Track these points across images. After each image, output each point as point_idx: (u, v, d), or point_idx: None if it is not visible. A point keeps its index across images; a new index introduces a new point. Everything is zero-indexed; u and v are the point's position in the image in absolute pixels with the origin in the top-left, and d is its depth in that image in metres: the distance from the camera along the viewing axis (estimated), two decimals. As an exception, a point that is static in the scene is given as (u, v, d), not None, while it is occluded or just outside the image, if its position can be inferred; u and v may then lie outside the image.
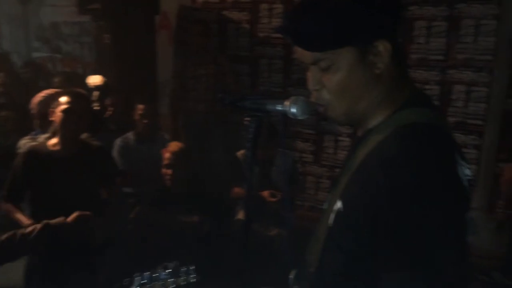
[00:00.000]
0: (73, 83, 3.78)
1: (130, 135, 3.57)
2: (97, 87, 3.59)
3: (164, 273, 1.18)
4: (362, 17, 0.88)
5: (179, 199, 2.90)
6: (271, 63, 4.37)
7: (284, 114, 1.01)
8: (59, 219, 2.31)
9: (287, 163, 3.19)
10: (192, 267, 1.20)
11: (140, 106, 3.53)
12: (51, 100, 2.74)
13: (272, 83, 4.39)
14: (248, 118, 1.06)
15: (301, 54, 0.95)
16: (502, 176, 2.92)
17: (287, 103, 0.99)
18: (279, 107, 1.01)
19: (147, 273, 1.17)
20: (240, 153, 3.23)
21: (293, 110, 0.98)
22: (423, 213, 0.79)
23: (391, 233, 0.81)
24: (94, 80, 3.66)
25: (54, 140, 2.55)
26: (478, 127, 3.58)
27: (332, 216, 0.94)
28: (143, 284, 1.16)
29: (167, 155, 2.96)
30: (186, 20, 4.58)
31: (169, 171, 2.93)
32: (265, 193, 3.04)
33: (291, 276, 1.13)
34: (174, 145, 3.05)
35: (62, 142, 2.52)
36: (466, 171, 0.88)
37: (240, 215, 3.10)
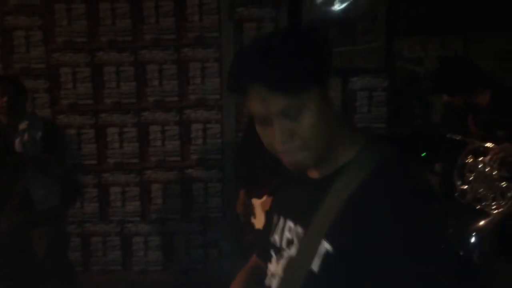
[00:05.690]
0: None
1: None
2: None
3: None
4: (326, 53, 0.91)
5: None
6: None
7: None
8: None
9: None
10: None
11: None
12: None
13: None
14: None
15: (265, 106, 0.89)
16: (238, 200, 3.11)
17: None
18: None
19: None
20: None
21: None
22: (435, 237, 0.85)
23: (405, 262, 0.83)
24: None
25: None
26: (218, 161, 3.80)
27: (317, 261, 0.90)
28: None
29: None
30: None
31: None
32: None
33: None
34: None
35: None
36: None
37: None
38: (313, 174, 1.00)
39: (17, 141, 2.81)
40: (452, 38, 3.50)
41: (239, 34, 3.67)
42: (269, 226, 1.12)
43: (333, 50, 0.95)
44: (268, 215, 1.18)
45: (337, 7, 3.71)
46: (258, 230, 2.90)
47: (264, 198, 2.84)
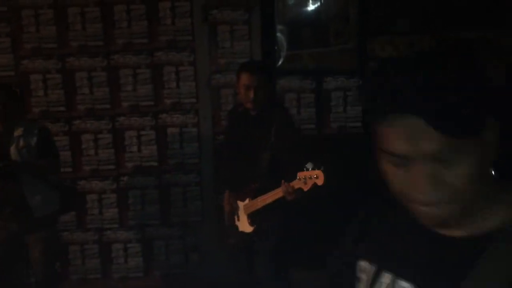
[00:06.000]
0: None
1: None
2: None
3: None
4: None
5: None
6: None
7: None
8: None
9: None
10: None
11: None
12: None
13: None
14: None
15: (413, 144, 0.71)
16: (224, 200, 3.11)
17: None
18: None
19: None
20: None
21: None
22: None
23: None
24: None
25: None
26: (195, 165, 3.79)
27: None
28: None
29: None
30: None
31: None
32: None
33: None
34: None
35: None
36: None
37: None
38: (442, 229, 0.82)
39: (12, 148, 2.78)
40: (422, 38, 3.59)
41: (212, 37, 3.67)
42: (349, 269, 0.95)
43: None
44: (349, 256, 0.99)
45: (309, 8, 3.76)
46: (242, 232, 2.92)
47: (247, 201, 2.86)
